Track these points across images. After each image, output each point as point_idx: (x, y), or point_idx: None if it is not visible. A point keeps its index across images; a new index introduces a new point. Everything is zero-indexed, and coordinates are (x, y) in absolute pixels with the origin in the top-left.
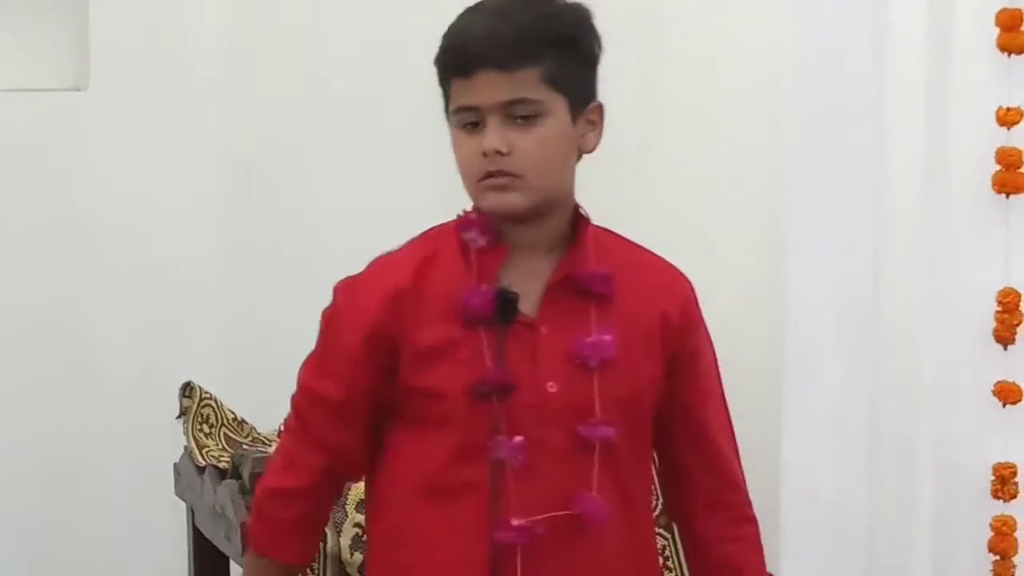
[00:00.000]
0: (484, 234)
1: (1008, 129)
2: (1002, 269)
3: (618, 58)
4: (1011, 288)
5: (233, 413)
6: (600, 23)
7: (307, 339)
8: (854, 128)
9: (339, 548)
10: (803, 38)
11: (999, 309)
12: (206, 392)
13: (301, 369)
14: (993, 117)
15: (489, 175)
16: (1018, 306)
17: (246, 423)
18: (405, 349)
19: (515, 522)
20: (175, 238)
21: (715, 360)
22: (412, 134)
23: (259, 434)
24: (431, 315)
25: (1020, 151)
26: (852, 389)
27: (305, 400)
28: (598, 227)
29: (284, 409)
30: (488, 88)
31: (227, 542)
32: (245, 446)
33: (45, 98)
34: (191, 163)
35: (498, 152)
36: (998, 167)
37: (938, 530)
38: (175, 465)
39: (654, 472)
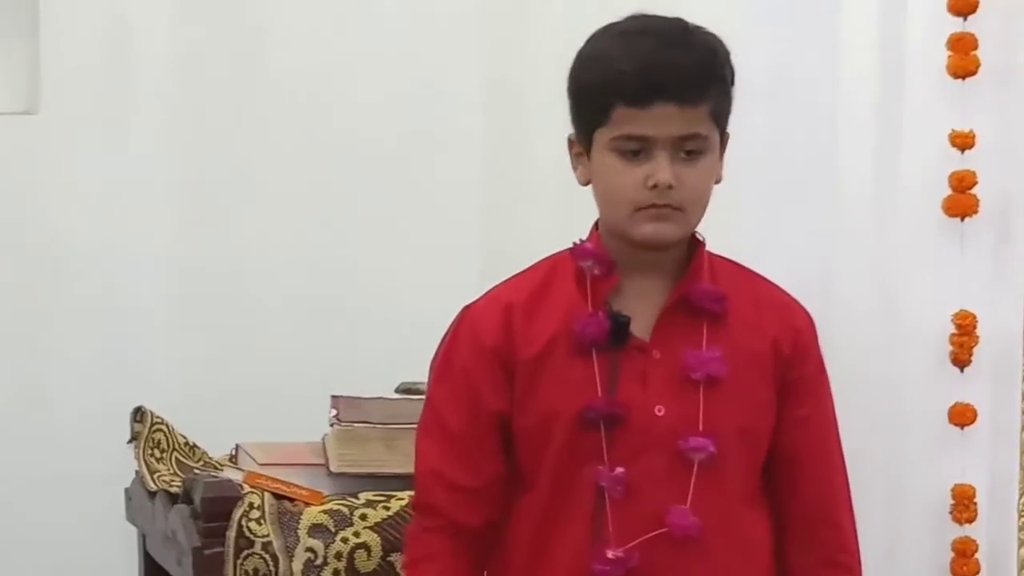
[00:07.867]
0: (600, 263)
1: (961, 152)
2: (957, 291)
3: None
4: (967, 311)
5: (185, 438)
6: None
7: (259, 364)
8: (807, 152)
9: (291, 573)
10: (753, 60)
11: (955, 332)
12: (157, 417)
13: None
14: (945, 141)
15: (651, 206)
16: (975, 328)
17: (198, 448)
18: (517, 366)
19: (611, 554)
20: (128, 262)
21: (827, 397)
22: (368, 162)
23: (211, 459)
24: (541, 334)
25: (973, 173)
26: None
27: (424, 426)
28: (714, 254)
29: (235, 434)
30: (664, 121)
31: (178, 567)
32: (197, 471)
33: None
34: (144, 187)
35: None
36: (950, 191)
37: (896, 555)
38: (126, 490)
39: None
